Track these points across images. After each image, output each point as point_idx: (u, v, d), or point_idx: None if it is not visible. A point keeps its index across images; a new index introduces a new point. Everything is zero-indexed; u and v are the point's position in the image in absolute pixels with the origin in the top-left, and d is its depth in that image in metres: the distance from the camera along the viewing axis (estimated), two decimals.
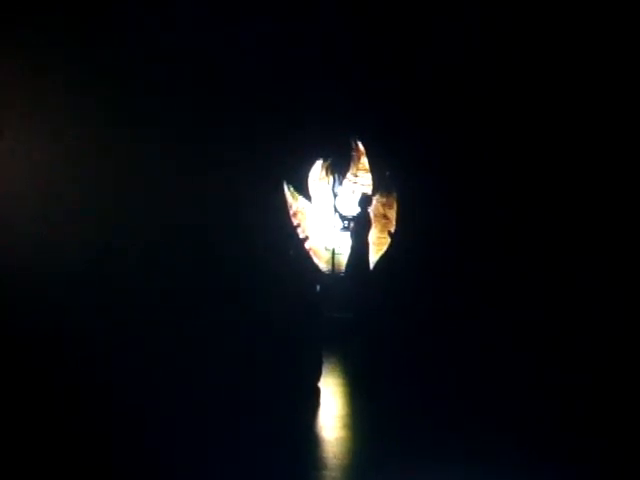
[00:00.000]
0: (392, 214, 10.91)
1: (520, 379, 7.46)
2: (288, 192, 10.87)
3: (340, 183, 11.05)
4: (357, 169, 11.07)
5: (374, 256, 10.84)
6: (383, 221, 10.95)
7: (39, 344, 7.77)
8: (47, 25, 9.62)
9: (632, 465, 5.42)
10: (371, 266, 10.78)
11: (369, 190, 10.97)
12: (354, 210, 10.91)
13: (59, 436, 5.76)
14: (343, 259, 10.91)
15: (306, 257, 10.54)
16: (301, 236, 10.78)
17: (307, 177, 10.96)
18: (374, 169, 10.96)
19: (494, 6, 9.89)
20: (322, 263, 11.02)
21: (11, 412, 6.12)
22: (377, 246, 10.88)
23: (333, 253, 11.02)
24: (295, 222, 10.86)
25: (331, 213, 11.05)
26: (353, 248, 10.72)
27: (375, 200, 10.95)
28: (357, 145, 11.02)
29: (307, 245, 10.84)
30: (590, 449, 5.72)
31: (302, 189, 10.91)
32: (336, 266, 10.97)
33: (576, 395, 6.96)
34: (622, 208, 9.63)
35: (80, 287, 9.08)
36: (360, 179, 11.04)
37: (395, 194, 10.91)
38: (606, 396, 6.99)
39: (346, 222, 10.96)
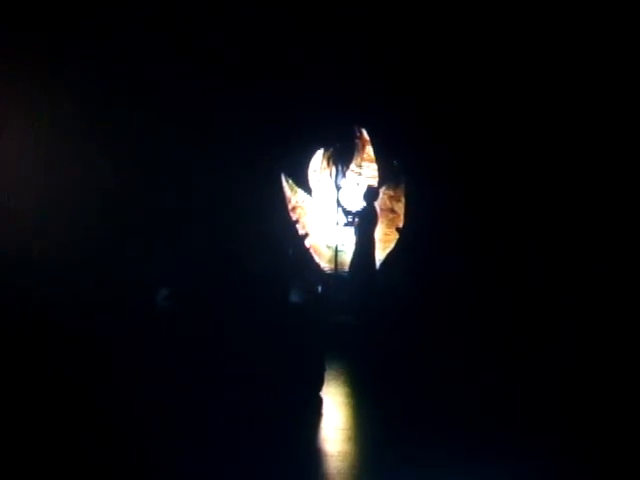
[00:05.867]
0: (400, 208, 10.66)
1: (530, 384, 7.44)
2: (286, 185, 10.62)
3: (343, 174, 10.71)
4: (362, 159, 10.75)
5: (380, 254, 10.56)
6: (390, 216, 10.69)
7: (38, 343, 7.89)
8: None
9: (632, 465, 5.52)
10: (377, 265, 10.51)
11: (375, 182, 10.67)
12: (359, 204, 10.61)
13: (58, 436, 5.88)
14: (347, 257, 10.64)
15: (306, 256, 10.43)
16: (300, 233, 10.58)
17: (307, 168, 10.65)
18: (380, 159, 10.65)
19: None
20: (324, 262, 10.74)
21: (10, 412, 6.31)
22: (384, 243, 10.61)
23: (336, 251, 10.71)
24: (294, 218, 10.65)
25: (333, 207, 10.72)
26: (357, 245, 10.47)
27: (382, 193, 10.65)
28: (361, 132, 10.70)
29: (307, 243, 10.64)
30: (590, 449, 5.83)
31: (301, 181, 10.62)
32: (339, 265, 10.67)
33: (577, 395, 7.13)
34: (624, 209, 9.63)
35: (79, 286, 9.06)
36: (365, 170, 10.74)
37: (404, 186, 10.62)
38: (606, 396, 7.10)
39: (350, 217, 10.62)
